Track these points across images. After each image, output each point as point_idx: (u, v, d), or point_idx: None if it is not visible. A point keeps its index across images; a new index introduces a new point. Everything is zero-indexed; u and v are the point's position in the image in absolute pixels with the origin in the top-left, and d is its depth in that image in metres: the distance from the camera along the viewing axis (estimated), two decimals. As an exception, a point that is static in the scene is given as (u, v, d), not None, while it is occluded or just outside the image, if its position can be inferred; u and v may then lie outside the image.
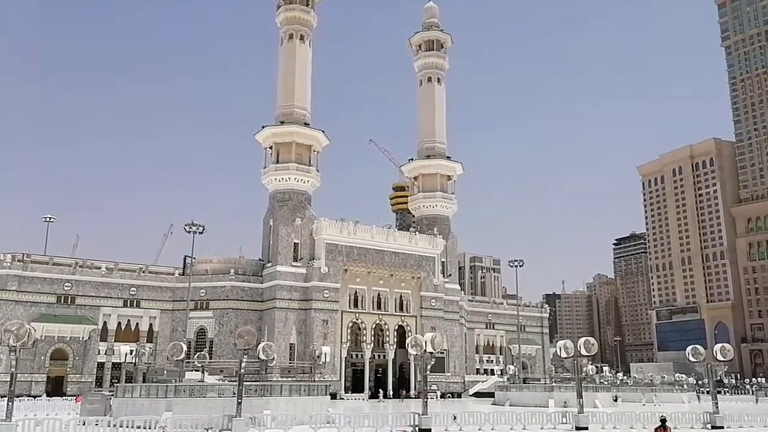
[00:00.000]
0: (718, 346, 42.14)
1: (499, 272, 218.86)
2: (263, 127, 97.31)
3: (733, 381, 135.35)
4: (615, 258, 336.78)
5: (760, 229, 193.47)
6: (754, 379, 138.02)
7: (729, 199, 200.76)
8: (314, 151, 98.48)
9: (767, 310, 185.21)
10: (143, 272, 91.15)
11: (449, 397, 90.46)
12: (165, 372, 50.68)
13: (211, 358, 78.39)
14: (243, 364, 34.74)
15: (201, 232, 75.27)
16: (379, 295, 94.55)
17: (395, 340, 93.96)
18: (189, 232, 75.06)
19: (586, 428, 37.07)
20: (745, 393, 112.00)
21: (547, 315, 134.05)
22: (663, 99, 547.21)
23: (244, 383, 35.17)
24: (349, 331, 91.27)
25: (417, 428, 35.51)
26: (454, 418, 37.85)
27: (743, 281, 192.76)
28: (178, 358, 46.49)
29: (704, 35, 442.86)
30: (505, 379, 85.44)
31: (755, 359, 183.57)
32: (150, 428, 33.05)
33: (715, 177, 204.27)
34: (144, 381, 44.67)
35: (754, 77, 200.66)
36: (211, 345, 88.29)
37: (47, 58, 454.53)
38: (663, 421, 19.18)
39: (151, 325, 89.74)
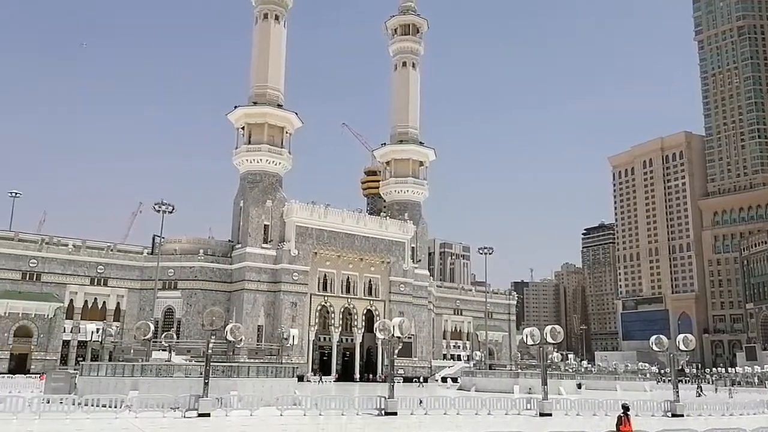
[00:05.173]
0: (680, 337, 42.97)
1: (468, 259, 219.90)
2: (236, 107, 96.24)
3: (695, 371, 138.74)
4: (583, 248, 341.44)
5: (725, 223, 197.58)
6: (714, 369, 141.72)
7: (697, 192, 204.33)
8: (287, 132, 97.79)
9: (729, 302, 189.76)
10: (111, 250, 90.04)
11: (415, 381, 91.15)
12: (132, 351, 50.12)
13: (178, 338, 77.92)
14: (210, 345, 34.44)
15: (170, 212, 74.42)
16: (348, 278, 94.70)
17: (363, 324, 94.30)
18: (158, 211, 74.09)
19: (550, 414, 37.55)
20: (705, 383, 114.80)
21: (515, 302, 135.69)
22: (636, 91, 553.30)
23: (211, 364, 34.94)
24: (317, 314, 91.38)
25: (383, 411, 35.74)
26: (420, 402, 38.09)
27: (707, 273, 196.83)
28: (145, 338, 45.87)
29: (679, 29, 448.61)
30: (472, 365, 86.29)
31: (716, 350, 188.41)
32: (116, 407, 32.72)
33: (684, 170, 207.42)
34: (110, 360, 44.14)
35: (725, 72, 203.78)
36: (178, 325, 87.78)
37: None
38: (625, 408, 19.53)
39: (118, 303, 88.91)
